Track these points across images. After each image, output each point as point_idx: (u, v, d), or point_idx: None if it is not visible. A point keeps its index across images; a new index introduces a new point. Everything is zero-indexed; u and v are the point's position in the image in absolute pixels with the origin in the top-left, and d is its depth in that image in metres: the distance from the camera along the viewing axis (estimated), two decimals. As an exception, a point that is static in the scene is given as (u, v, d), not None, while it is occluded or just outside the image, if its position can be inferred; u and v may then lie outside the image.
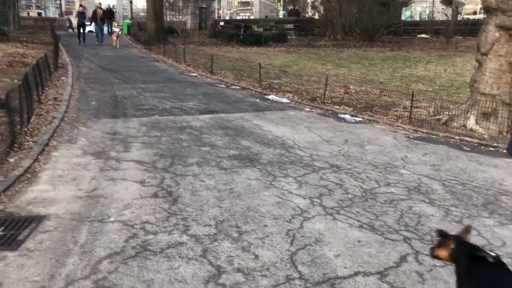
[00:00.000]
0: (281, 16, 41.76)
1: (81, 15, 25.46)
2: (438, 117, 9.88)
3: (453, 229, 4.02)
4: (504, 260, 2.34)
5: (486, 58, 9.11)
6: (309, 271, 3.50)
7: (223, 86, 13.83)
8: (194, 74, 16.12)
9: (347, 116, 9.88)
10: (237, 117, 9.37)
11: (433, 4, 39.55)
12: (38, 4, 64.72)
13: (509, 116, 8.84)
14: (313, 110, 10.54)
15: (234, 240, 3.98)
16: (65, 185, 5.20)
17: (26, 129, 7.30)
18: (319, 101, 11.36)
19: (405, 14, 41.53)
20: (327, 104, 11.06)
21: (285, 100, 11.66)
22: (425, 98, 10.85)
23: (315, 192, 5.23)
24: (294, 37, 33.98)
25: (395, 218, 4.59)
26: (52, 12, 66.28)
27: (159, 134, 7.68)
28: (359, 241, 4.03)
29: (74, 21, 31.62)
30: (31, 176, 5.47)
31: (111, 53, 21.69)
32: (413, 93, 9.60)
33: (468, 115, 9.13)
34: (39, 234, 3.97)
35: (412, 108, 9.55)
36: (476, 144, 7.87)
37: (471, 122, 8.97)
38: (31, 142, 6.75)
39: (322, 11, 36.00)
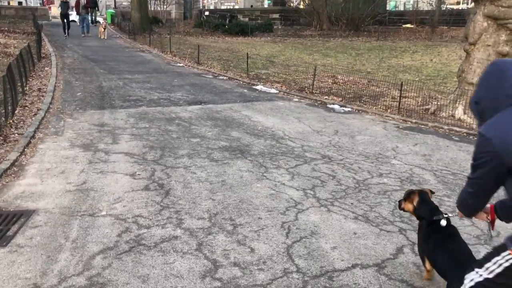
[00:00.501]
0: (266, 6, 41.51)
1: (64, 4, 23.87)
2: (426, 107, 9.91)
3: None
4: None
5: (474, 48, 9.13)
6: (306, 264, 3.47)
7: (210, 76, 13.71)
8: (181, 64, 15.94)
9: (336, 107, 9.86)
10: (226, 107, 9.28)
11: (418, -6, 39.69)
12: (19, -7, 63.30)
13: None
14: (301, 101, 10.49)
15: (229, 233, 3.93)
16: (53, 178, 5.09)
17: (11, 121, 7.13)
18: (308, 92, 11.32)
19: (390, 4, 41.57)
20: (316, 95, 11.02)
21: (273, 90, 11.59)
22: (412, 88, 10.86)
23: (308, 184, 5.19)
24: (280, 27, 33.80)
25: (389, 209, 4.58)
26: (33, 1, 64.95)
27: (147, 126, 7.57)
28: (355, 233, 4.01)
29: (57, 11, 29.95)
30: (17, 170, 5.34)
31: (95, 43, 21.34)
32: (402, 83, 9.60)
33: (456, 105, 9.16)
34: (29, 230, 3.87)
35: (401, 98, 9.56)
36: (464, 134, 7.91)
37: (459, 112, 9.01)
38: (16, 135, 6.61)
39: (307, 0, 35.85)
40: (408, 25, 33.08)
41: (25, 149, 6.03)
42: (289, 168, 5.73)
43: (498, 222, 2.42)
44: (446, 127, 8.26)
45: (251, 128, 7.67)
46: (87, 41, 22.00)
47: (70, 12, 24.51)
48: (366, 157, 6.31)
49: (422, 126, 8.41)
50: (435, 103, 9.96)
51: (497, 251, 2.20)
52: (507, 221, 2.39)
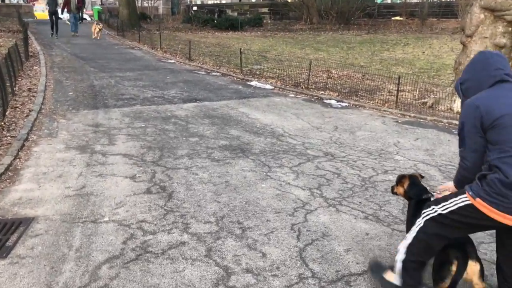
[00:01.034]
0: (255, 0, 41.24)
1: (53, 2, 22.41)
2: (423, 100, 9.84)
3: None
4: None
5: (471, 40, 9.05)
6: (321, 269, 3.35)
7: (203, 73, 13.52)
8: (172, 61, 15.73)
9: (333, 102, 9.75)
10: (222, 105, 9.13)
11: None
12: (2, -10, 62.20)
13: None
14: (298, 96, 10.37)
15: (238, 237, 3.80)
16: (51, 183, 4.91)
17: (2, 123, 6.92)
18: (303, 87, 11.20)
19: (379, -3, 41.59)
20: (312, 90, 10.91)
21: (268, 86, 11.45)
22: (407, 81, 10.78)
23: (314, 183, 5.07)
24: (269, 21, 33.61)
25: (399, 207, 4.47)
26: (17, -1, 63.81)
27: (143, 125, 7.39)
28: (367, 234, 3.90)
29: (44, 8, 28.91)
30: (13, 175, 5.15)
31: (83, 40, 20.99)
32: (399, 77, 9.51)
33: (454, 98, 9.09)
34: (29, 239, 3.70)
35: (398, 92, 9.47)
36: (465, 128, 7.83)
37: (457, 105, 8.94)
38: (9, 137, 6.40)
39: (296, -6, 35.67)
40: (398, 18, 33.07)
41: (19, 153, 5.84)
42: (292, 166, 5.60)
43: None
44: (445, 120, 8.19)
45: (250, 126, 7.53)
46: (75, 39, 21.65)
47: (58, 10, 23.33)
48: (369, 154, 6.20)
49: (421, 120, 8.34)
50: (432, 96, 9.90)
51: (456, 194, 2.64)
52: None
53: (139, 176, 5.15)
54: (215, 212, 4.27)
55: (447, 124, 8.01)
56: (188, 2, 45.01)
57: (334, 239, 3.81)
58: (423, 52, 18.59)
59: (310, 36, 25.12)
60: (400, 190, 3.38)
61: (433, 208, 2.71)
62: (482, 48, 8.90)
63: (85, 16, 31.08)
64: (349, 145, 6.58)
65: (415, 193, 3.26)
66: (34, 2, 43.98)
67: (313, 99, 10.06)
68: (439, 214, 2.67)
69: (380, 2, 38.25)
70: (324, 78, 12.40)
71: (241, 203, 4.50)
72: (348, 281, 3.22)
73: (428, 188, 3.45)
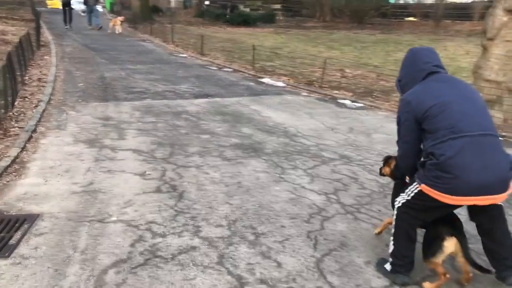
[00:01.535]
0: (267, -4, 40.98)
1: None
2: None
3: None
4: None
5: (492, 43, 8.78)
6: (340, 283, 3.15)
7: (215, 68, 13.34)
8: (184, 55, 15.56)
9: (347, 102, 9.53)
10: (234, 101, 8.93)
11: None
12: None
13: (516, 104, 8.59)
14: (311, 95, 10.15)
15: (251, 244, 3.61)
16: (57, 178, 4.74)
17: (11, 113, 6.77)
18: (316, 85, 10.97)
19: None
20: (325, 89, 10.68)
21: (280, 83, 11.24)
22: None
23: (330, 187, 4.87)
24: (281, 18, 33.35)
25: (420, 217, 4.26)
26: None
27: (154, 120, 7.22)
28: (387, 245, 3.69)
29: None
30: (19, 168, 5.00)
31: (95, 31, 20.86)
32: (416, 79, 9.24)
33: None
34: (33, 238, 3.54)
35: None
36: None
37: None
38: (17, 128, 6.26)
39: (310, -9, 35.33)
40: (411, 18, 32.70)
41: (26, 145, 5.68)
42: (307, 169, 5.40)
43: None
44: (463, 125, 7.93)
45: (262, 124, 7.33)
46: (87, 29, 21.53)
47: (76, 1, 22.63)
48: (386, 158, 5.98)
49: (439, 124, 8.08)
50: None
51: (411, 182, 3.01)
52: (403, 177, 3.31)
53: (149, 174, 4.97)
54: (227, 215, 4.08)
55: (465, 129, 7.75)
56: (201, -4, 44.79)
57: (353, 249, 3.61)
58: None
59: (323, 34, 24.84)
60: (387, 170, 3.58)
61: (402, 196, 3.06)
62: (504, 51, 8.64)
63: (97, 7, 30.89)
64: (366, 148, 6.37)
65: (401, 173, 3.42)
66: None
67: (326, 99, 9.84)
68: (406, 200, 3.00)
69: (393, 2, 37.86)
70: (338, 77, 12.17)
71: (254, 206, 4.31)
72: (369, 296, 3.03)
73: None
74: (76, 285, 2.98)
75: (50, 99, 8.08)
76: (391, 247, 3.13)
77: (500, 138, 2.86)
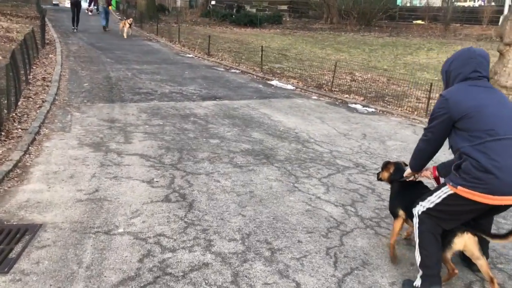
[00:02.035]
0: (274, -3, 40.71)
1: None
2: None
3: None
4: None
5: (509, 48, 8.54)
6: (365, 307, 2.92)
7: (222, 69, 13.11)
8: (190, 55, 15.34)
9: (358, 106, 9.29)
10: (243, 104, 8.71)
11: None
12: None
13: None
14: (321, 99, 9.92)
15: (267, 260, 3.37)
16: (61, 184, 4.52)
17: (14, 114, 6.56)
18: (326, 89, 10.73)
19: (400, -1, 40.81)
20: (335, 92, 10.44)
21: (289, 86, 11.01)
22: (434, 88, 10.26)
23: (347, 198, 4.64)
24: (288, 19, 33.10)
25: (444, 233, 4.01)
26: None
27: (161, 123, 7.00)
28: (412, 265, 3.46)
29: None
30: (21, 172, 4.78)
31: (100, 30, 20.65)
32: (431, 83, 9.00)
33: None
34: (35, 251, 3.31)
35: (429, 99, 8.98)
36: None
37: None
38: (20, 130, 6.04)
39: (317, -7, 35.06)
40: (419, 21, 32.36)
41: (29, 148, 5.47)
42: (321, 178, 5.17)
43: None
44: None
45: (273, 129, 7.10)
46: (92, 28, 21.33)
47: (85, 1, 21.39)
48: (403, 167, 5.73)
49: (454, 131, 7.83)
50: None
51: (439, 187, 2.98)
52: (445, 176, 3.07)
53: (157, 181, 4.75)
54: (240, 228, 3.85)
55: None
56: (207, -4, 44.58)
57: (375, 268, 3.37)
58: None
59: (330, 36, 24.59)
60: (385, 175, 3.67)
61: (421, 205, 3.04)
62: (521, 57, 8.39)
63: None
64: (381, 156, 6.13)
65: (400, 176, 3.54)
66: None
67: (337, 103, 9.60)
68: (427, 208, 2.99)
69: (401, 5, 37.53)
70: (348, 80, 11.92)
71: (268, 218, 4.07)
72: (398, 324, 2.79)
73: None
74: (80, 306, 2.75)
75: (54, 99, 7.87)
76: (418, 258, 3.03)
77: None
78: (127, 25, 18.89)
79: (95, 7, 22.58)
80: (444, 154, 3.90)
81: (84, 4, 24.38)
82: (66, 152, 5.46)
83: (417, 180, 3.51)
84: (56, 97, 8.07)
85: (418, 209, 3.04)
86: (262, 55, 13.02)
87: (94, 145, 5.77)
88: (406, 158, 6.06)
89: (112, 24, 22.58)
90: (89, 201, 4.19)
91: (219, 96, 9.32)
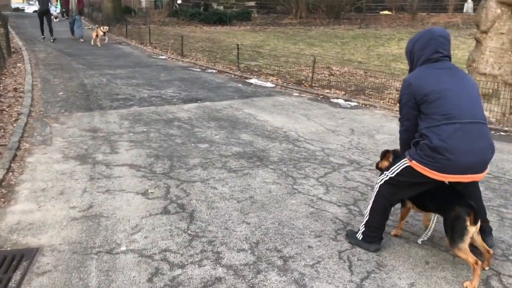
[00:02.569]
0: (240, -6, 40.46)
1: None
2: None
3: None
4: None
5: (486, 36, 8.63)
6: (390, 312, 2.83)
7: (198, 70, 12.91)
8: (164, 57, 15.06)
9: (340, 101, 9.26)
10: (225, 105, 8.55)
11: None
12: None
13: (513, 97, 8.47)
14: (302, 95, 9.85)
15: (280, 270, 3.26)
16: (52, 202, 4.30)
17: (-10, 129, 6.25)
18: (306, 85, 10.67)
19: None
20: (316, 88, 10.39)
21: (269, 84, 10.90)
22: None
23: (348, 197, 4.56)
24: (257, 15, 32.97)
25: (451, 227, 3.98)
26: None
27: (145, 129, 6.79)
28: (427, 263, 3.40)
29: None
30: (7, 192, 4.52)
31: (67, 35, 20.07)
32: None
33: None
34: (36, 278, 3.11)
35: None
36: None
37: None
38: (-2, 146, 5.74)
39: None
40: (386, 12, 32.75)
41: (11, 164, 5.19)
42: (319, 177, 5.08)
43: None
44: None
45: (260, 129, 6.99)
46: (58, 33, 20.71)
47: (55, 11, 20.02)
48: (397, 161, 5.70)
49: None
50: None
51: (400, 159, 3.27)
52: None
53: (151, 192, 4.57)
54: (247, 237, 3.72)
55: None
56: (172, -5, 43.99)
57: (392, 270, 3.30)
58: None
59: (301, 30, 24.60)
60: (385, 163, 3.67)
61: (385, 174, 3.36)
62: (498, 44, 8.50)
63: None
64: (372, 151, 6.09)
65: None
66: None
67: (319, 98, 9.55)
68: (389, 177, 3.31)
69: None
70: (326, 75, 11.90)
71: (274, 224, 3.96)
72: (426, 328, 2.71)
73: None
74: (94, 336, 2.58)
75: (30, 111, 7.54)
76: (366, 218, 3.49)
77: (488, 126, 3.12)
78: (101, 34, 17.56)
79: (60, 14, 21.73)
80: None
81: (54, 13, 23.42)
82: (51, 166, 5.21)
83: None
84: (32, 109, 7.75)
85: (382, 178, 3.37)
86: (238, 53, 12.87)
87: (80, 157, 5.53)
88: (398, 151, 6.04)
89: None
90: (85, 218, 3.98)
91: (200, 98, 9.14)
